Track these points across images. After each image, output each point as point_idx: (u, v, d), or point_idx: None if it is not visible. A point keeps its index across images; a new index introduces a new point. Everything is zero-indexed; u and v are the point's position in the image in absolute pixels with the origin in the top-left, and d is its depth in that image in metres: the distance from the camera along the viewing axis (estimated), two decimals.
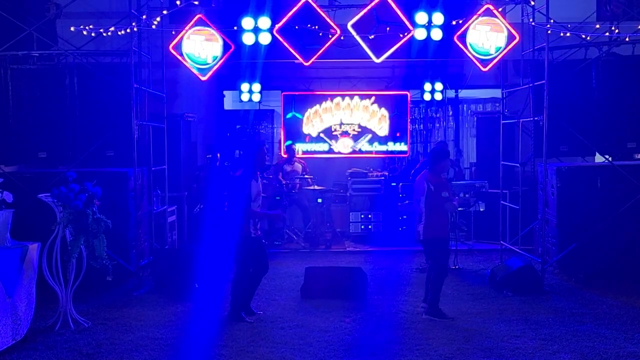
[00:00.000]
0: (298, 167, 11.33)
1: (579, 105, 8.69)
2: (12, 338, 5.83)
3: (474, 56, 8.91)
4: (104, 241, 6.62)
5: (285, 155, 11.71)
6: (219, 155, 9.63)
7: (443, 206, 6.85)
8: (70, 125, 8.64)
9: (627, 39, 8.44)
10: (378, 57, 9.21)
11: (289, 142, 11.72)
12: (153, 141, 9.25)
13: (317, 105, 12.09)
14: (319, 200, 10.91)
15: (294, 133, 12.07)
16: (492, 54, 8.90)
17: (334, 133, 12.11)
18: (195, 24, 8.89)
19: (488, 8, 8.77)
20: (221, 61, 9.10)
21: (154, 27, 8.58)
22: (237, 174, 7.04)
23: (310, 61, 9.28)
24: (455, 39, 8.87)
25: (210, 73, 9.20)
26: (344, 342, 6.09)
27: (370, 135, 12.08)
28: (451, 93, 12.78)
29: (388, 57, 9.31)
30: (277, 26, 9.07)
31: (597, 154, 9.12)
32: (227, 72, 11.70)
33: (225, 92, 12.73)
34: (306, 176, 11.12)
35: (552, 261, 8.55)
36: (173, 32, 9.05)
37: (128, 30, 8.28)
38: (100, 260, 6.58)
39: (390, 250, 10.53)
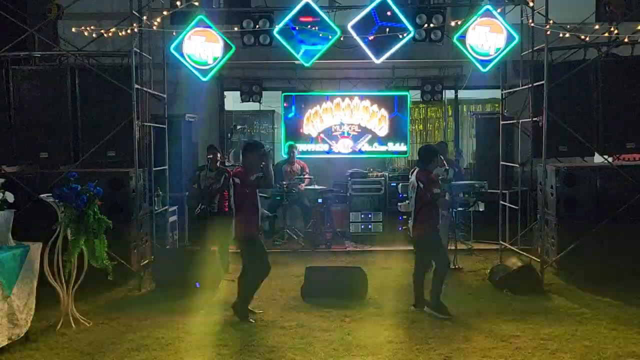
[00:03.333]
0: (297, 167, 11.34)
1: (578, 105, 8.72)
2: (7, 338, 5.84)
3: (473, 57, 8.94)
4: (105, 241, 6.65)
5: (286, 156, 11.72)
6: (219, 155, 9.65)
7: (432, 204, 6.90)
8: (71, 126, 8.68)
9: (625, 40, 8.46)
10: (378, 58, 9.24)
11: (290, 143, 11.74)
12: (154, 142, 9.27)
13: (317, 106, 12.13)
14: (320, 200, 10.93)
15: (294, 133, 12.10)
16: (491, 55, 8.93)
17: (334, 134, 12.14)
18: (196, 25, 8.92)
19: (487, 9, 8.79)
20: (222, 62, 9.13)
21: (155, 28, 8.60)
22: (236, 171, 7.05)
23: (311, 63, 9.31)
24: (455, 40, 8.90)
25: (211, 74, 9.23)
26: (344, 342, 6.11)
27: (370, 136, 12.11)
28: (451, 93, 12.81)
29: (388, 58, 9.34)
30: (277, 27, 9.10)
31: (596, 154, 9.14)
32: (228, 72, 11.75)
33: (226, 93, 12.77)
34: (306, 177, 11.12)
35: (551, 261, 8.58)
36: (174, 33, 9.08)
37: (129, 31, 8.31)
38: (101, 260, 6.60)
39: (390, 250, 10.57)
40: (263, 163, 6.84)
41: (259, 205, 6.91)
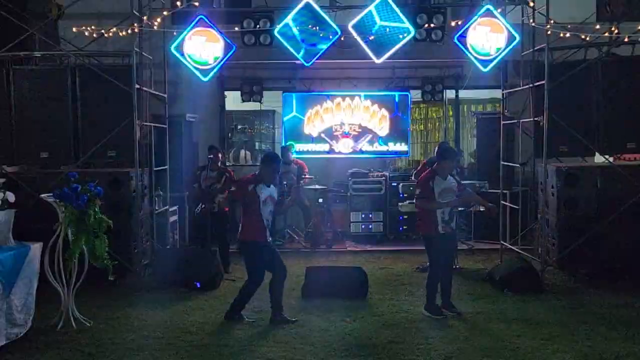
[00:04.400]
0: (294, 168, 11.29)
1: (579, 105, 8.72)
2: (5, 337, 5.84)
3: (474, 57, 8.94)
4: (105, 241, 6.65)
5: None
6: (220, 156, 9.65)
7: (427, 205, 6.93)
8: (72, 126, 8.68)
9: (626, 40, 8.46)
10: (378, 58, 9.24)
11: (289, 143, 11.73)
12: (155, 142, 9.27)
13: (318, 106, 12.12)
14: (320, 200, 10.93)
15: (295, 133, 12.10)
16: (492, 55, 8.92)
17: (334, 133, 12.13)
18: (197, 25, 8.92)
19: (488, 9, 8.79)
20: (222, 62, 9.13)
21: (155, 28, 8.61)
22: (248, 177, 6.98)
23: (311, 62, 9.30)
24: (455, 39, 8.90)
25: (211, 74, 9.23)
26: (344, 342, 6.11)
27: (370, 136, 12.11)
28: (451, 93, 12.80)
29: (388, 58, 9.34)
30: (278, 27, 9.10)
31: (596, 154, 9.14)
32: (229, 72, 11.75)
33: (226, 93, 12.77)
34: (305, 177, 11.09)
35: (552, 261, 8.57)
36: (175, 33, 9.08)
37: (130, 31, 8.31)
38: (102, 260, 6.60)
39: (391, 250, 10.58)
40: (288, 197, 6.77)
41: (261, 214, 6.66)
